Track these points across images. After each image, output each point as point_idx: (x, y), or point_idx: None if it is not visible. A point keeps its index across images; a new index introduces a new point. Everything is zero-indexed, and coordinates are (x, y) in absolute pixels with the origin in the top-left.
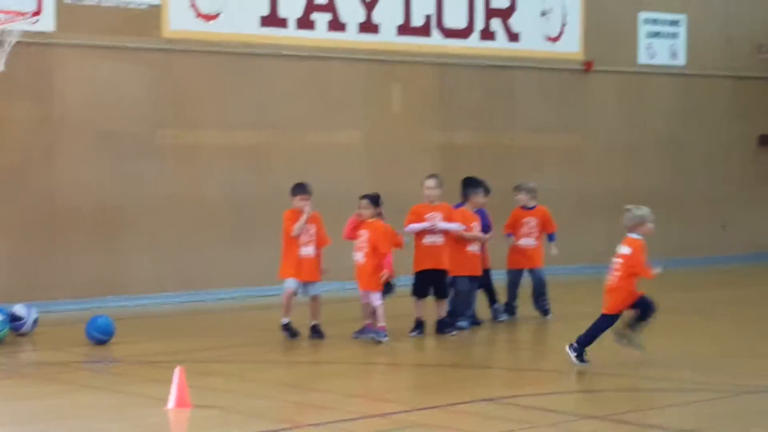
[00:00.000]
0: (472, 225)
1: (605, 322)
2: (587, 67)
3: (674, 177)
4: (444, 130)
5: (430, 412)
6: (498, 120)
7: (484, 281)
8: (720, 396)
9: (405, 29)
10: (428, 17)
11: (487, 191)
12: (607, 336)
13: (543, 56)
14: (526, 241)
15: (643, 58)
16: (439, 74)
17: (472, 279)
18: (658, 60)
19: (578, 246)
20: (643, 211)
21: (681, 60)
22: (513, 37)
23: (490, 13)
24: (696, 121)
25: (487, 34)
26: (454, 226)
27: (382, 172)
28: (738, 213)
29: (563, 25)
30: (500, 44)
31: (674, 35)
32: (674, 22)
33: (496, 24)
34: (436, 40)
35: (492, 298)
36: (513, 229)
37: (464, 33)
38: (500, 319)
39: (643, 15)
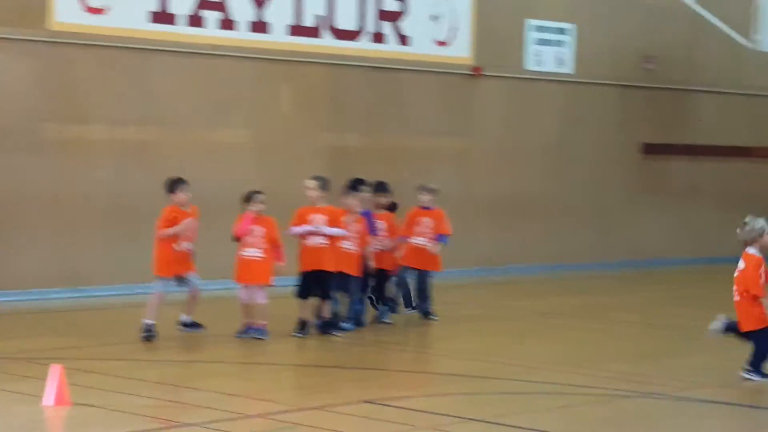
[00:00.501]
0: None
1: (759, 338)
2: (476, 72)
3: (559, 183)
4: (334, 131)
5: (311, 412)
6: (387, 122)
7: (378, 282)
8: (599, 400)
9: (296, 29)
10: (319, 18)
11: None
12: (500, 341)
13: (433, 60)
14: (419, 241)
15: (530, 64)
16: (330, 75)
17: (355, 278)
18: (546, 67)
19: (466, 250)
20: (761, 223)
21: (568, 68)
22: (403, 40)
23: (382, 15)
24: (582, 128)
25: (378, 37)
26: (336, 231)
27: (271, 172)
28: (621, 220)
29: (453, 29)
30: (390, 47)
31: (562, 43)
32: (562, 30)
33: (386, 27)
34: (326, 41)
35: (382, 300)
36: (409, 228)
37: (355, 35)
38: (385, 320)
39: (531, 22)
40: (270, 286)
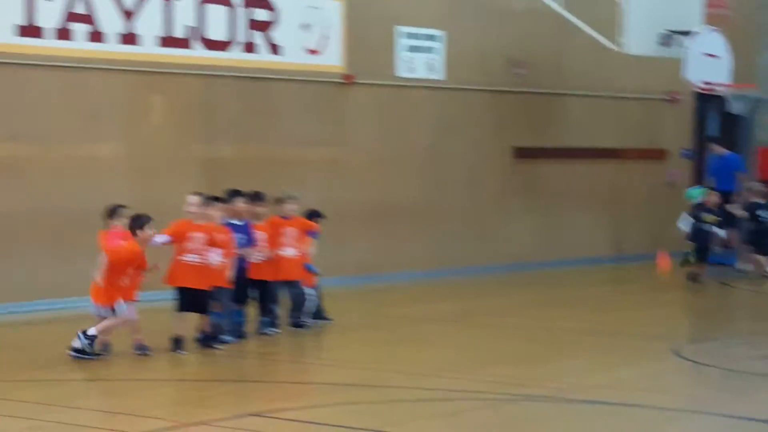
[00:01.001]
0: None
1: None
2: (348, 80)
3: (434, 189)
4: (207, 143)
5: (195, 428)
6: (260, 132)
7: (261, 293)
8: (485, 405)
9: (166, 41)
10: (190, 29)
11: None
12: (381, 349)
13: (304, 69)
14: (286, 251)
15: (402, 71)
16: (202, 86)
17: (227, 290)
18: (417, 74)
19: (343, 258)
20: None
21: (439, 74)
22: (274, 49)
23: (252, 25)
24: (455, 134)
25: (249, 47)
26: (216, 258)
27: (144, 186)
28: (494, 224)
29: (324, 38)
30: (262, 56)
31: (432, 50)
32: (431, 37)
33: (257, 36)
34: (197, 52)
35: (263, 311)
36: (272, 239)
37: (226, 45)
38: (266, 332)
39: (401, 29)
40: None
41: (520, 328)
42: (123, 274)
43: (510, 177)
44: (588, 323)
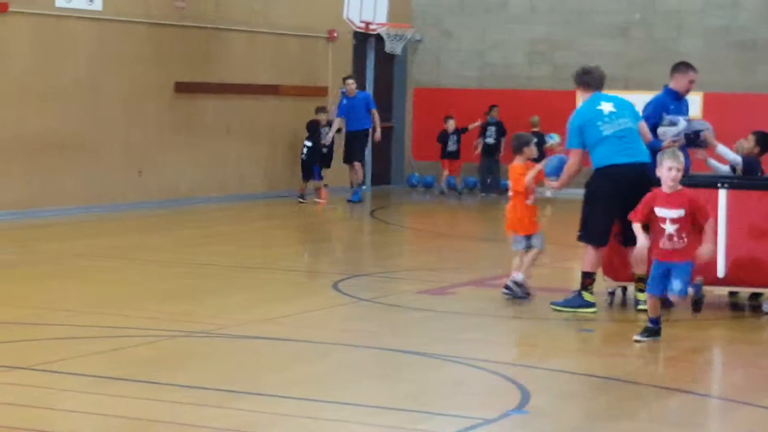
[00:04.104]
0: None
1: None
2: (2, 8)
3: (92, 123)
4: None
5: None
6: None
7: None
8: (145, 341)
9: None
10: None
11: None
12: (39, 286)
13: None
14: None
15: (60, 1)
16: None
17: None
18: (76, 4)
19: None
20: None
21: (98, 5)
22: None
23: None
24: (114, 66)
25: None
26: None
27: None
28: (154, 159)
29: None
30: None
31: None
32: None
33: None
34: None
35: None
36: None
37: None
38: None
39: None
40: None
41: (180, 264)
42: None
43: (170, 112)
44: (247, 259)
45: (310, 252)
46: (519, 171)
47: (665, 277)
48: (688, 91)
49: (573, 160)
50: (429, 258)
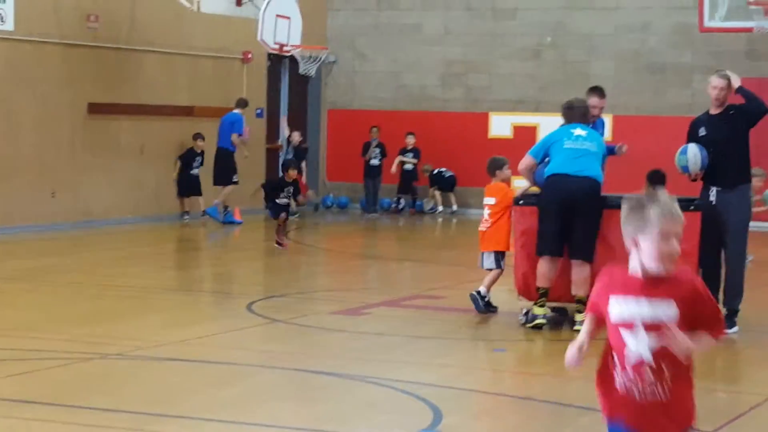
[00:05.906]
0: None
1: None
2: None
3: (4, 143)
4: None
5: None
6: None
7: None
8: (59, 364)
9: None
10: None
11: None
12: None
13: None
14: None
15: None
16: None
17: None
18: None
19: None
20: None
21: (9, 25)
22: None
23: None
24: (26, 87)
25: None
26: None
27: None
28: (68, 180)
29: None
30: None
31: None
32: None
33: None
34: None
35: None
36: None
37: None
38: None
39: None
40: None
41: (94, 286)
42: None
43: (83, 133)
44: (163, 281)
45: (226, 273)
46: (502, 187)
47: None
48: (591, 116)
49: (524, 159)
50: (344, 278)
